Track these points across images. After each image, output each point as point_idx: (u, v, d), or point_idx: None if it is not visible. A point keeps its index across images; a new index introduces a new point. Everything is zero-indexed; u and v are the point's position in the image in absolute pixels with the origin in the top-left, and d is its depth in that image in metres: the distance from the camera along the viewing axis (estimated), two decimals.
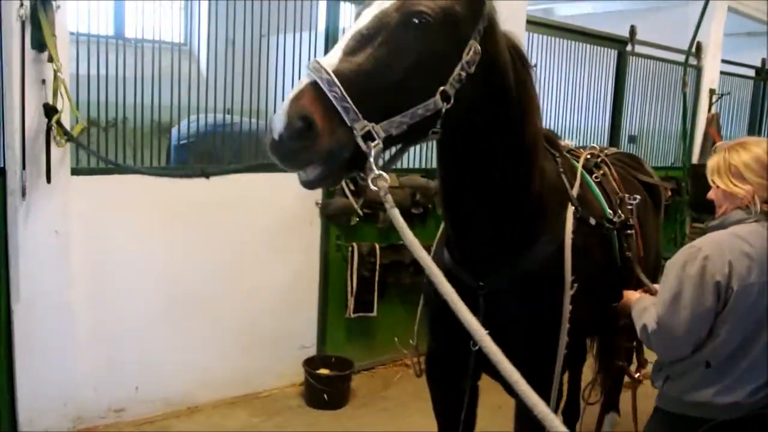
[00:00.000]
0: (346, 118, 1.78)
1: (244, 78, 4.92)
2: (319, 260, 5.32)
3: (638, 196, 3.30)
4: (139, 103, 4.49)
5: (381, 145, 1.82)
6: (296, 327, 5.30)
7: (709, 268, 2.43)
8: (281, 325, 5.18)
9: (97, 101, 4.29)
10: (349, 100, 1.78)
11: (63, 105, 3.83)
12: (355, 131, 1.79)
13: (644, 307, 2.66)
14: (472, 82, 2.05)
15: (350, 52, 1.88)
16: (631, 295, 2.86)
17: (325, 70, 1.79)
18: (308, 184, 1.91)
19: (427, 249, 5.91)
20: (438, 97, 1.96)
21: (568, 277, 2.58)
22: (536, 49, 6.56)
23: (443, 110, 1.99)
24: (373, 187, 1.80)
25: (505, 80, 2.27)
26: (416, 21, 1.92)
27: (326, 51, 5.12)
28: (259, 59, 5.00)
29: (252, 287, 4.97)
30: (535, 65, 6.46)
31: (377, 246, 5.34)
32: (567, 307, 2.58)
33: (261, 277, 4.99)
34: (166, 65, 4.55)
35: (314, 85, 1.80)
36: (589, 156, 3.26)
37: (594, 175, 3.16)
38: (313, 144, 1.76)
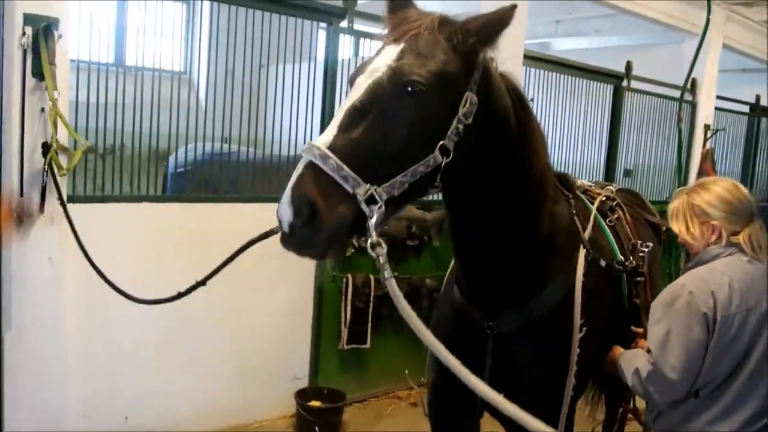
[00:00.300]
0: (347, 186, 1.80)
1: (242, 107, 4.95)
2: (313, 291, 5.30)
3: (651, 244, 3.27)
4: (137, 131, 4.50)
5: (383, 209, 1.84)
6: (289, 358, 5.26)
7: (695, 302, 2.49)
8: (274, 355, 5.15)
9: (96, 128, 4.30)
10: (346, 168, 1.80)
11: (59, 132, 3.84)
12: (358, 196, 1.81)
13: (634, 354, 2.68)
14: (470, 132, 2.05)
15: (345, 127, 1.89)
16: (616, 350, 2.88)
17: (317, 147, 1.82)
18: (318, 258, 1.96)
19: (422, 280, 5.84)
20: (437, 152, 1.97)
21: (578, 320, 2.57)
22: (533, 83, 6.64)
23: (443, 164, 1.99)
24: (372, 253, 1.82)
25: (506, 124, 2.26)
26: (410, 89, 1.92)
27: (325, 81, 5.20)
28: (258, 89, 5.04)
29: (245, 317, 4.94)
30: (532, 99, 6.54)
31: (372, 277, 5.32)
32: (575, 351, 2.57)
33: (255, 307, 4.97)
34: (166, 93, 4.57)
35: (311, 166, 1.82)
36: (604, 198, 3.25)
37: (608, 219, 3.15)
38: (322, 225, 1.79)
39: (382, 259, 1.80)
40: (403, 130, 1.91)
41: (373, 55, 2.08)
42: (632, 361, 2.65)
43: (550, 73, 6.89)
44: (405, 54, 1.98)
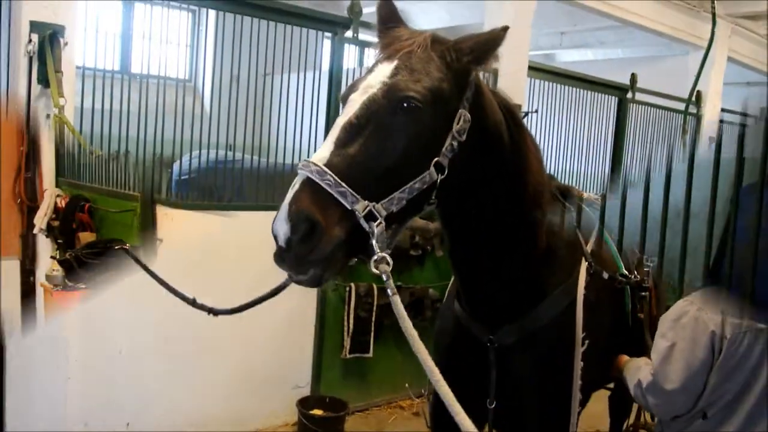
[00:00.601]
0: (345, 203, 1.79)
1: (247, 115, 4.96)
2: (316, 300, 5.29)
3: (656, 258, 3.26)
4: (142, 138, 4.52)
5: (383, 224, 1.83)
6: (291, 366, 5.25)
7: (702, 318, 2.46)
8: (276, 364, 5.13)
9: (101, 134, 4.31)
10: (343, 184, 1.79)
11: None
12: (357, 213, 1.80)
13: (638, 366, 2.67)
14: (464, 148, 2.06)
15: (341, 144, 1.88)
16: (621, 358, 2.86)
17: (314, 163, 1.81)
18: (314, 284, 1.90)
19: (425, 290, 5.79)
20: (432, 169, 1.97)
21: (579, 333, 2.55)
22: (537, 94, 6.64)
23: (438, 181, 1.99)
24: (375, 271, 1.80)
25: (499, 140, 2.26)
26: (405, 105, 1.92)
27: (329, 91, 5.22)
28: (263, 97, 5.05)
29: (247, 325, 4.92)
30: (536, 111, 6.54)
31: (375, 286, 5.30)
32: (579, 364, 2.55)
33: (257, 316, 4.90)
34: (171, 101, 4.59)
35: (307, 182, 1.80)
36: None
37: None
38: (320, 241, 1.77)
39: (384, 277, 1.78)
40: (398, 147, 1.91)
41: (365, 73, 2.08)
42: (636, 373, 2.63)
43: (555, 85, 6.89)
44: (399, 71, 1.98)
